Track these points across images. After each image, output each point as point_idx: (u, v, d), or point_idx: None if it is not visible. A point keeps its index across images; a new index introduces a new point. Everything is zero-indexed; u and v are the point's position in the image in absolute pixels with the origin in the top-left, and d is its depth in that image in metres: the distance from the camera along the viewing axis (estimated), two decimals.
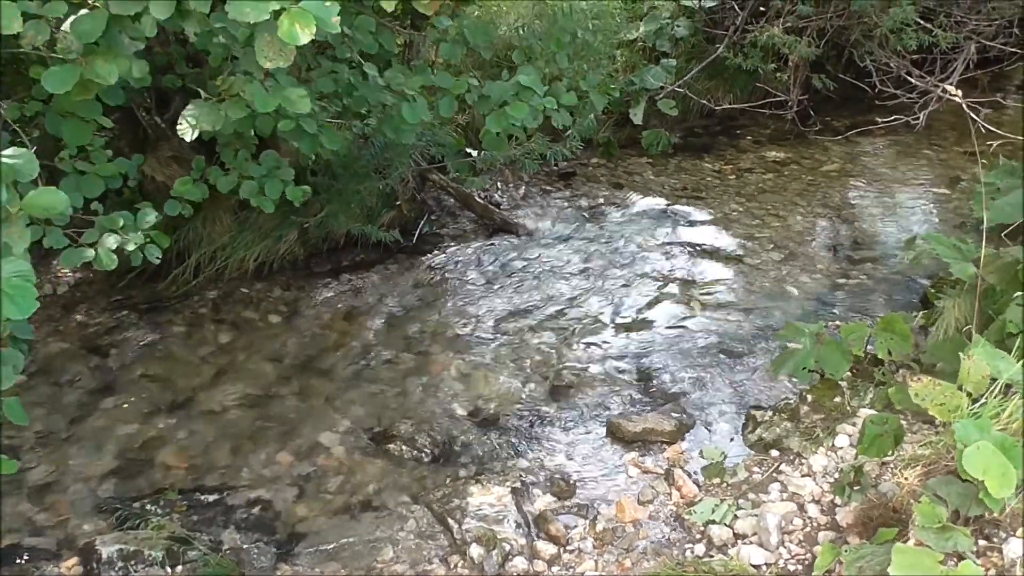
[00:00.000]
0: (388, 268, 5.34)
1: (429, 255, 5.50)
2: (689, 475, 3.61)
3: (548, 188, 6.38)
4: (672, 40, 7.14)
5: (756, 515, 3.28)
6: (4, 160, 2.06)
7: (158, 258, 3.62)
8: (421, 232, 5.68)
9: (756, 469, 3.61)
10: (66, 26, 2.39)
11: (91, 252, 3.29)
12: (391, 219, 5.52)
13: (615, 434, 3.91)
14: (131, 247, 3.39)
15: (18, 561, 3.29)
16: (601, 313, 4.88)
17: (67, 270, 4.94)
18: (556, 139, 5.72)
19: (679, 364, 4.41)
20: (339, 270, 5.29)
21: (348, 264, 5.36)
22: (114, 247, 3.29)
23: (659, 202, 6.16)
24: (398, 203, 5.58)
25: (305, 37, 2.31)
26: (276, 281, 5.15)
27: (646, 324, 4.78)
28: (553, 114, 4.23)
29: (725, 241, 5.63)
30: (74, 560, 3.25)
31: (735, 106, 7.04)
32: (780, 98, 6.82)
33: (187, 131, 3.19)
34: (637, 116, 6.79)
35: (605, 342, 4.62)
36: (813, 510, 3.30)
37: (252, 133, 4.12)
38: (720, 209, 6.04)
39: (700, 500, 3.45)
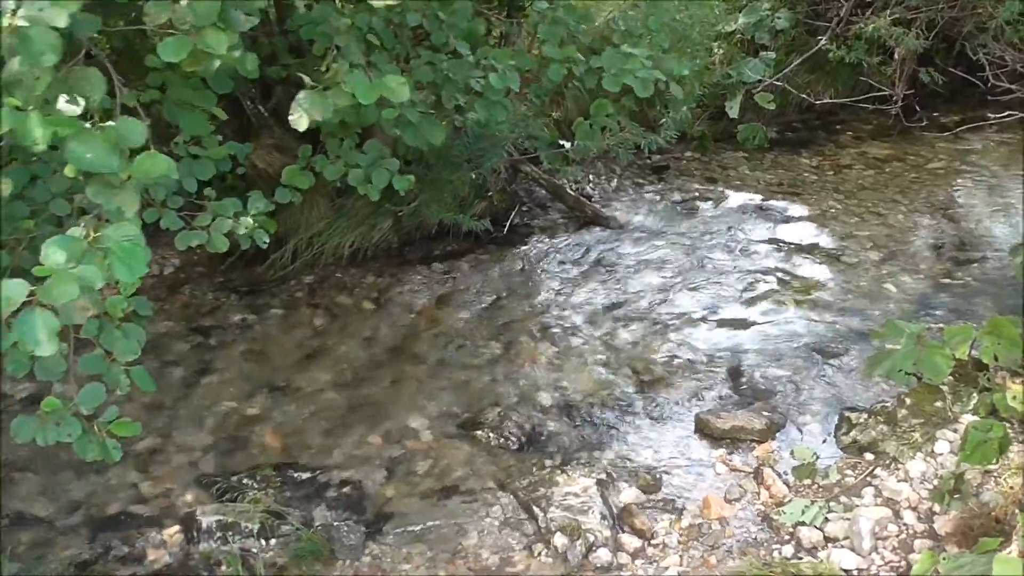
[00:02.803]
0: (479, 258, 5.39)
1: (519, 246, 5.53)
2: (779, 475, 3.54)
3: (640, 181, 6.33)
4: (772, 32, 6.98)
5: (848, 519, 3.20)
6: (111, 126, 2.14)
7: (265, 242, 3.74)
8: (512, 223, 5.71)
9: (849, 472, 3.52)
10: (184, 2, 2.49)
11: (204, 235, 3.42)
12: (482, 209, 5.58)
13: (703, 430, 3.87)
14: (241, 231, 3.51)
15: (124, 527, 3.46)
16: (692, 308, 4.82)
17: (178, 251, 5.14)
18: (649, 131, 5.67)
19: (771, 362, 4.33)
20: (431, 258, 5.38)
21: (439, 253, 5.44)
22: (226, 231, 3.41)
23: (754, 197, 6.04)
24: (490, 194, 5.63)
25: None
26: (370, 268, 5.26)
27: (738, 321, 4.70)
28: (665, 86, 4.19)
29: (822, 238, 5.49)
30: (176, 528, 3.40)
31: (836, 100, 6.82)
32: (884, 92, 6.59)
33: (299, 120, 3.26)
34: (733, 110, 6.65)
35: (696, 337, 4.57)
36: (909, 517, 3.20)
37: (357, 122, 4.20)
38: (817, 206, 5.89)
39: (790, 501, 3.38)
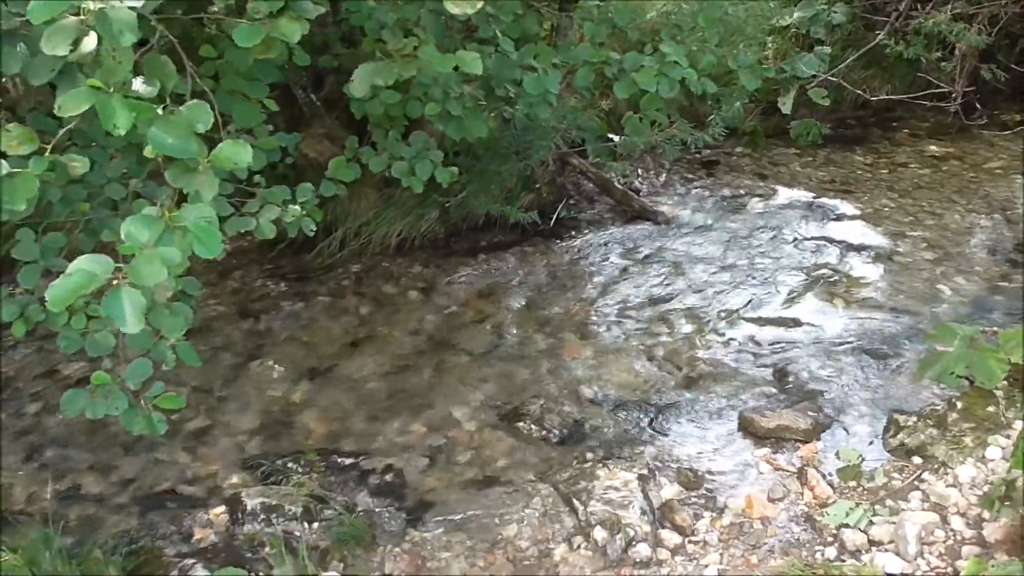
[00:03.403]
0: (524, 250, 5.39)
1: (566, 239, 5.53)
2: (823, 475, 3.49)
3: (689, 176, 6.28)
4: (828, 27, 6.85)
5: (894, 522, 3.14)
6: (182, 111, 2.18)
7: (312, 231, 3.78)
8: (559, 216, 5.71)
9: (896, 475, 3.45)
10: None
11: (253, 221, 3.47)
12: (529, 201, 5.57)
13: (747, 428, 3.82)
14: (289, 219, 3.56)
15: (172, 506, 3.54)
16: (739, 305, 4.77)
17: (228, 237, 5.25)
18: (699, 126, 5.61)
19: (818, 362, 4.26)
20: (477, 250, 5.39)
21: (486, 244, 5.45)
22: (274, 218, 3.46)
23: (805, 194, 5.96)
24: (537, 186, 5.63)
25: None
26: (416, 258, 5.30)
27: (786, 319, 4.64)
28: (695, 84, 4.13)
29: (874, 237, 5.39)
30: (221, 508, 3.46)
31: (892, 97, 6.69)
32: (943, 89, 6.43)
33: (359, 87, 3.29)
34: (786, 105, 6.53)
35: (742, 335, 4.52)
36: (957, 523, 3.13)
37: (403, 114, 4.23)
38: (870, 204, 5.78)
39: (834, 502, 3.33)
